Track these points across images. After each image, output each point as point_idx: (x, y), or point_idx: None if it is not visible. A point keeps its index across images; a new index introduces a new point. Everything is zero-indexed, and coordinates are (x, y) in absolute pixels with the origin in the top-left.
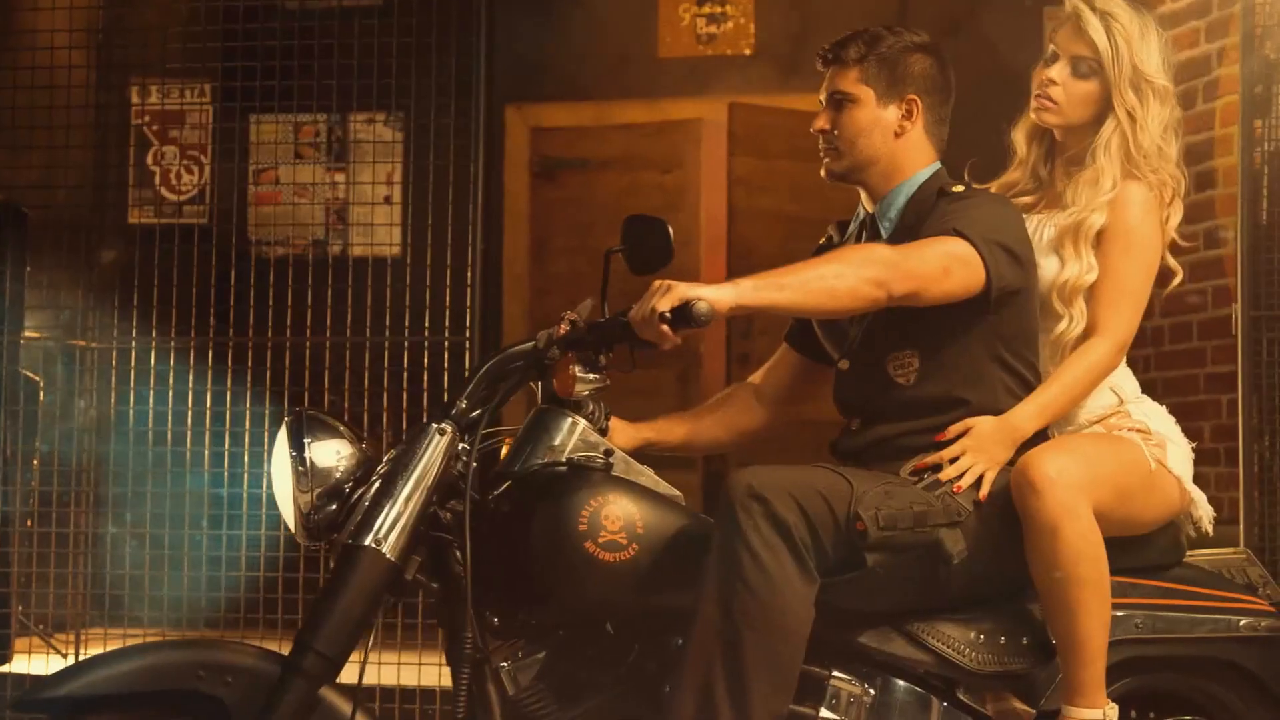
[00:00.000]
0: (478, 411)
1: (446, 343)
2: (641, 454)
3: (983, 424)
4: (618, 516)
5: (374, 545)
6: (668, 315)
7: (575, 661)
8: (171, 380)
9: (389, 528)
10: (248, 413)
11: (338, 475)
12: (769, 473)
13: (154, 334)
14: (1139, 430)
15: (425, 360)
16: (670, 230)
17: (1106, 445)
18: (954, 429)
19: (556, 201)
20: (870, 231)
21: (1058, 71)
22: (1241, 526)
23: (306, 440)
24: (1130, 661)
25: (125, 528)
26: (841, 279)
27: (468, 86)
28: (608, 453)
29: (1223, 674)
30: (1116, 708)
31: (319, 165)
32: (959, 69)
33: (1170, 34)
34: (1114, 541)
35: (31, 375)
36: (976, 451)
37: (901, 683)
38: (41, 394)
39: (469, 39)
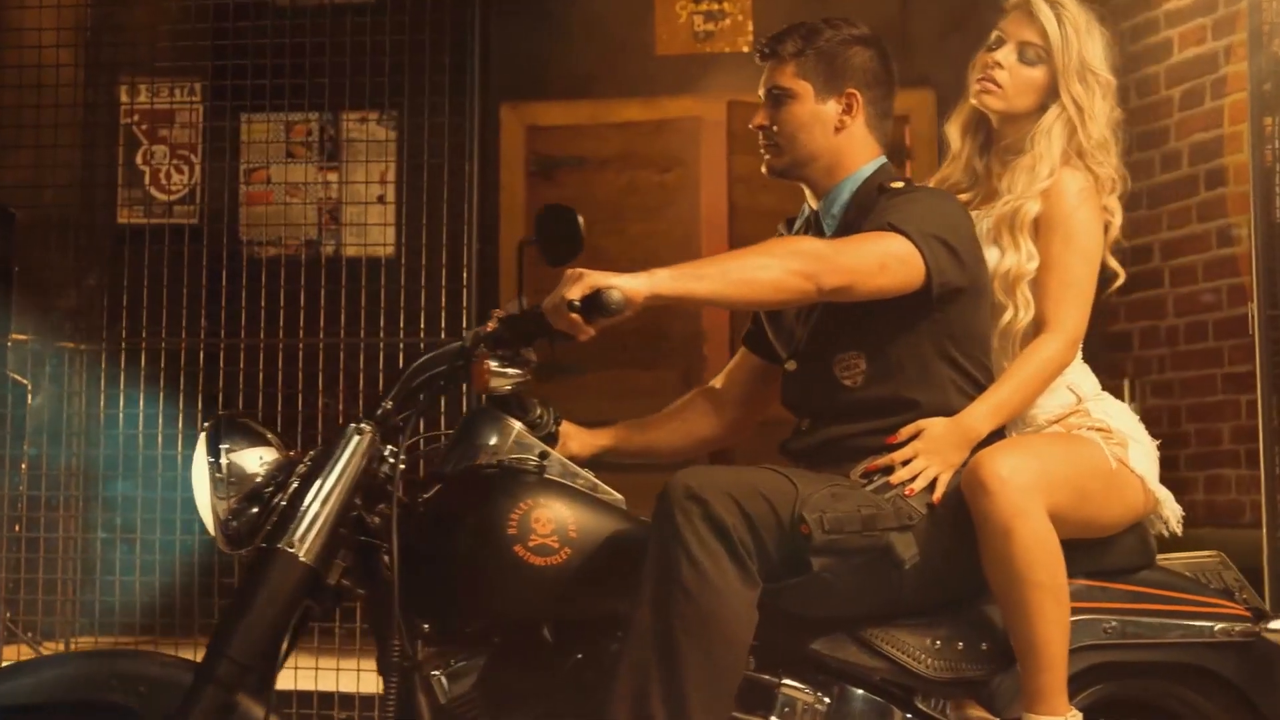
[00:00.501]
0: (408, 413)
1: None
2: (599, 462)
3: (935, 425)
4: (549, 520)
5: (287, 548)
6: (577, 304)
7: (512, 670)
8: (162, 382)
9: (305, 530)
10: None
11: (258, 481)
12: (709, 473)
13: (144, 336)
14: (1099, 429)
15: None
16: (580, 220)
17: (1063, 445)
18: (905, 431)
19: (553, 201)
20: (814, 229)
21: (1004, 55)
22: (1265, 529)
23: (224, 446)
24: (1100, 667)
25: (115, 533)
26: (766, 270)
27: (462, 84)
28: (543, 455)
29: (1197, 680)
30: (1080, 715)
31: (311, 164)
32: (965, 64)
33: (1177, 31)
34: (1079, 544)
35: (19, 378)
36: (929, 454)
37: (860, 691)
38: (30, 397)
39: (463, 36)
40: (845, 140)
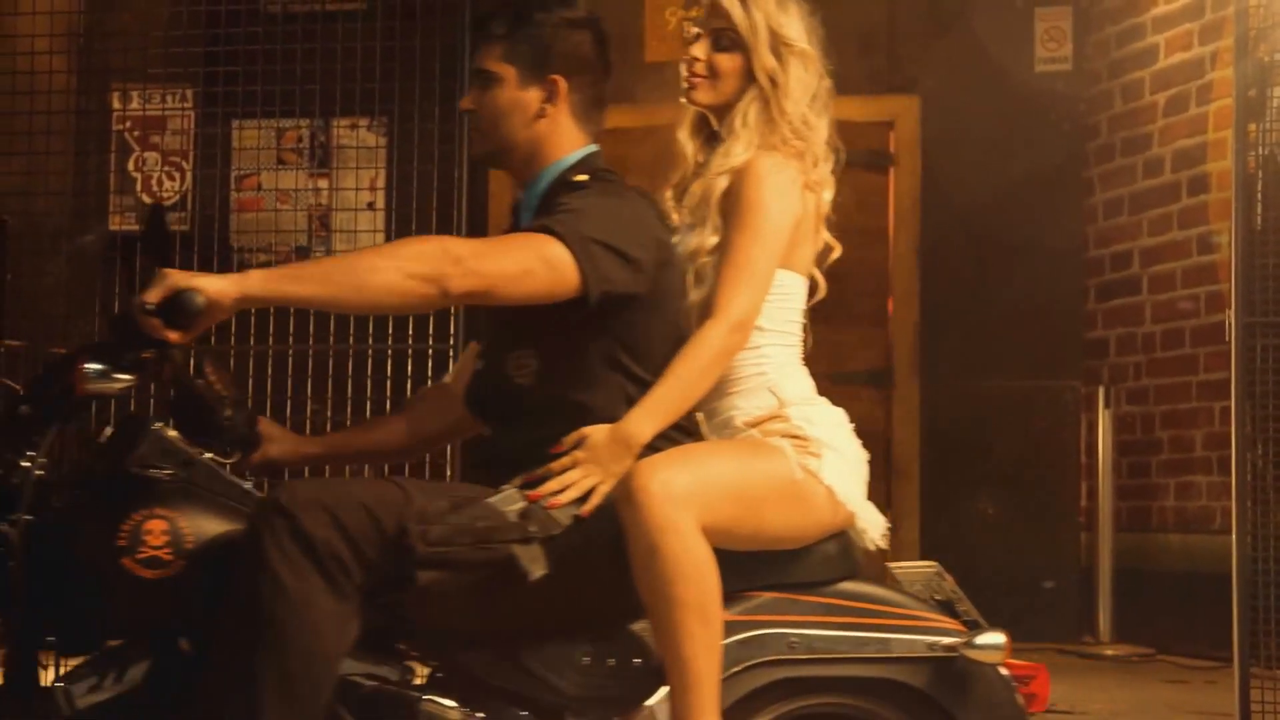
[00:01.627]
0: (49, 421)
1: (430, 351)
2: (317, 465)
3: (597, 434)
4: (164, 531)
5: None
6: (151, 307)
7: (146, 681)
8: (153, 389)
9: None
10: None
11: None
12: (307, 486)
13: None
14: (794, 436)
15: (409, 369)
16: (165, 216)
17: (734, 453)
18: (569, 439)
19: None
20: (515, 221)
21: (700, 49)
22: (1234, 536)
23: None
24: (786, 683)
25: None
26: (376, 273)
27: (452, 91)
28: (187, 463)
29: (896, 696)
30: None
31: (302, 171)
32: (951, 70)
33: (1164, 37)
34: (770, 555)
35: (12, 385)
36: (590, 463)
37: (514, 709)
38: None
39: (453, 42)
40: (547, 129)
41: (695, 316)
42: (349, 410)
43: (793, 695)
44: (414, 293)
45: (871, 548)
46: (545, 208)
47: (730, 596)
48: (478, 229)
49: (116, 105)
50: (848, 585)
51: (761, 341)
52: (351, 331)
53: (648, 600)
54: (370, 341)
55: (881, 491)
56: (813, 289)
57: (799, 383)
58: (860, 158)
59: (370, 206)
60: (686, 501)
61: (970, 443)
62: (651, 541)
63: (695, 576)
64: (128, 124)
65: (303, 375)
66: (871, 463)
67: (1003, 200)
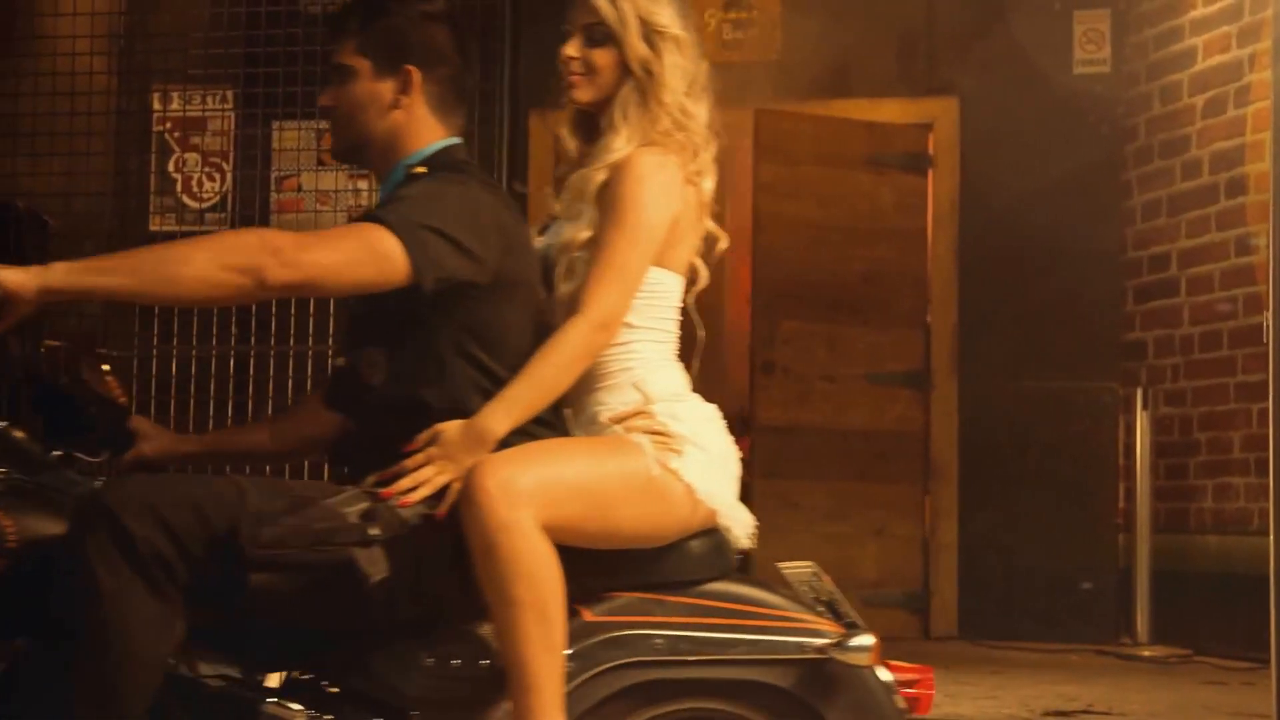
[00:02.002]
0: None
1: None
2: (199, 463)
3: (450, 430)
4: None
5: None
6: None
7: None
8: (193, 389)
9: None
10: None
11: None
12: (136, 484)
13: (174, 343)
14: (657, 433)
15: None
16: None
17: (586, 450)
18: (423, 436)
19: None
20: None
21: (574, 46)
22: (1272, 537)
23: None
24: (650, 685)
25: None
26: (189, 264)
27: (490, 92)
28: (29, 463)
29: (763, 698)
30: None
31: (342, 172)
32: (990, 72)
33: (1202, 39)
34: (635, 554)
35: (54, 386)
36: (443, 460)
37: (362, 712)
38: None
39: (492, 45)
40: (403, 122)
41: (564, 310)
42: None
43: (659, 698)
44: (228, 284)
45: (740, 547)
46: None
47: (594, 597)
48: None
49: (157, 106)
50: (719, 585)
51: (631, 338)
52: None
53: (488, 599)
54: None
55: (920, 492)
56: (694, 279)
57: (668, 379)
58: (899, 160)
59: None
60: (526, 499)
61: (1008, 444)
62: (489, 540)
63: (533, 576)
64: (168, 125)
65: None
66: (909, 463)
67: (1041, 202)
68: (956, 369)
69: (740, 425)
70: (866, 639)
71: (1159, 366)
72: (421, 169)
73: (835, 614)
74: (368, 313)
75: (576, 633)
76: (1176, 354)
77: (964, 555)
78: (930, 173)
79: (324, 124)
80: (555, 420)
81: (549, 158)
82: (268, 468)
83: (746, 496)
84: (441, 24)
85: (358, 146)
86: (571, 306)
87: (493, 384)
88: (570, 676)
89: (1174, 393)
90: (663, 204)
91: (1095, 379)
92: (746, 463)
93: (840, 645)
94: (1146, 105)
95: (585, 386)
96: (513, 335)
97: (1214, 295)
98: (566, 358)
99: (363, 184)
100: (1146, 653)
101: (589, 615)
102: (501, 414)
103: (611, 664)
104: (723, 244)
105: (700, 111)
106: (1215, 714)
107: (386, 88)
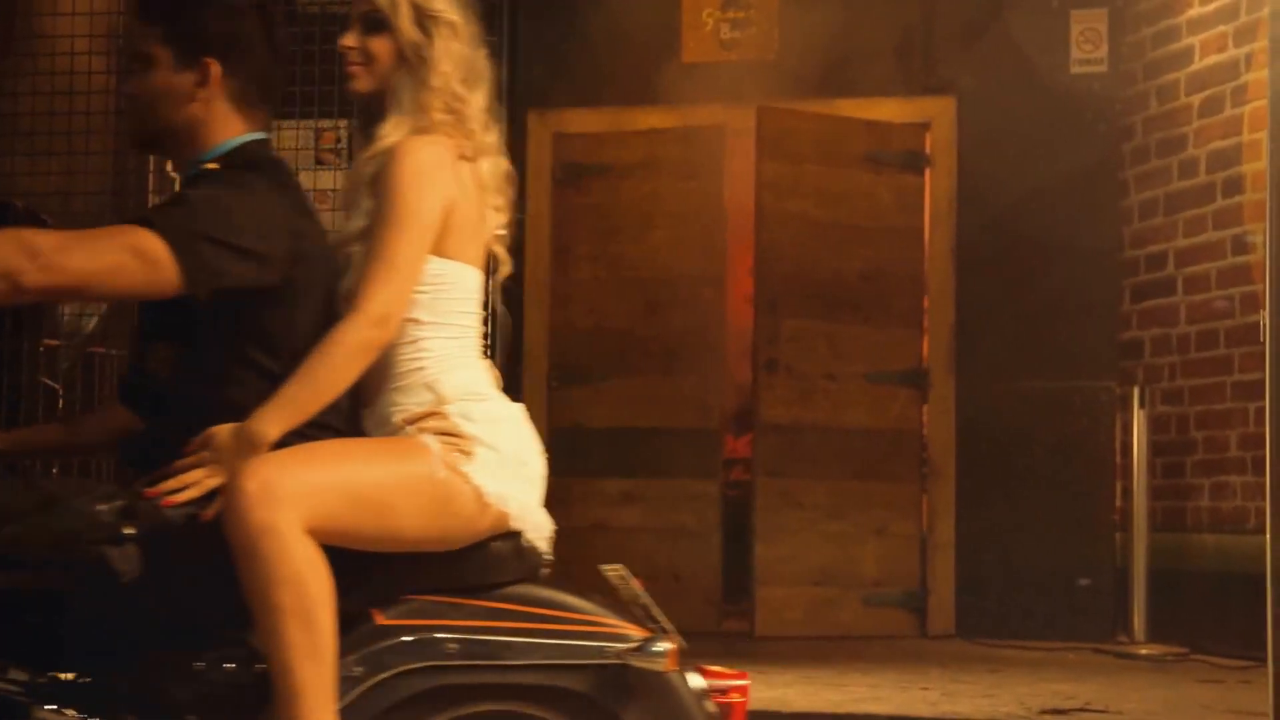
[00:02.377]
0: None
1: None
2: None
3: (221, 433)
4: None
5: None
6: None
7: None
8: None
9: None
10: None
11: None
12: None
13: None
14: (447, 434)
15: None
16: None
17: (362, 452)
18: (200, 439)
19: (579, 208)
20: None
21: (352, 36)
22: (1269, 536)
23: None
24: (446, 689)
25: None
26: None
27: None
28: None
29: (561, 702)
30: None
31: (340, 171)
32: (987, 71)
33: (1199, 39)
34: (433, 558)
35: (51, 383)
36: (214, 463)
37: (134, 717)
38: (61, 402)
39: (490, 43)
40: (202, 113)
41: (346, 306)
42: None
43: (456, 702)
44: None
45: (540, 550)
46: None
47: (388, 600)
48: (515, 228)
49: None
50: (520, 589)
51: (421, 335)
52: None
53: (252, 604)
54: None
55: (917, 491)
56: (495, 266)
57: (464, 378)
58: (896, 159)
59: None
60: (288, 502)
61: (1006, 443)
62: (248, 543)
63: (295, 581)
64: None
65: None
66: (907, 462)
67: (1038, 201)
68: (954, 368)
69: (736, 424)
70: (665, 644)
71: (1156, 365)
72: (213, 166)
73: (650, 618)
74: (156, 309)
75: (368, 636)
76: (1173, 353)
77: (961, 554)
78: (928, 172)
79: (323, 123)
80: (336, 422)
81: (546, 156)
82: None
83: (750, 495)
84: (246, 15)
85: (156, 138)
86: (348, 303)
87: (275, 388)
88: (359, 681)
89: (1171, 391)
90: (431, 192)
91: (1092, 378)
92: (749, 461)
93: (638, 650)
94: (1143, 104)
95: (379, 386)
96: (303, 339)
97: (1211, 294)
98: (340, 358)
99: None
100: (1143, 651)
101: (382, 619)
102: (273, 416)
103: (404, 667)
104: (504, 269)
105: (475, 97)
106: (1212, 712)
107: (185, 80)
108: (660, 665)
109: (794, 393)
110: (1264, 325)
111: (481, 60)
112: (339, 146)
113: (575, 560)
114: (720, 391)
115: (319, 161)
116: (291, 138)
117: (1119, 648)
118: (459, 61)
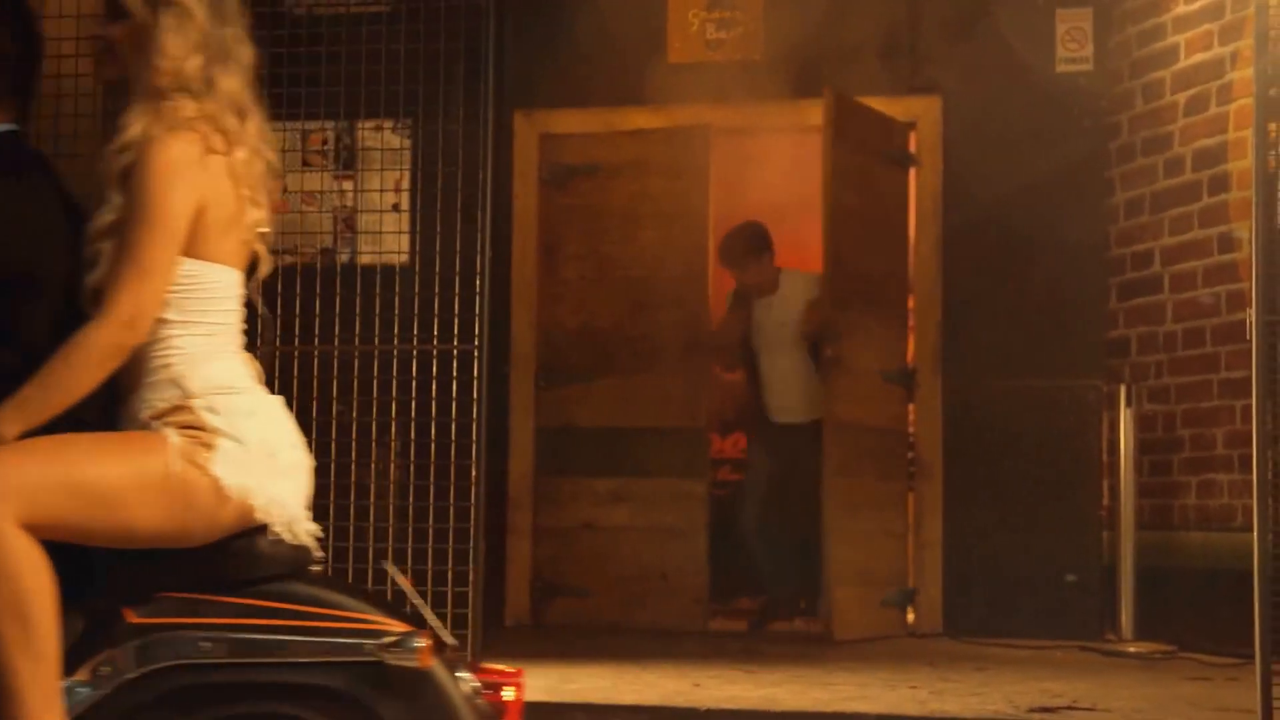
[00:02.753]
0: None
1: (455, 351)
2: None
3: None
4: None
5: None
6: None
7: None
8: None
9: None
10: None
11: None
12: None
13: None
14: (192, 428)
15: (434, 369)
16: None
17: (87, 447)
18: None
19: (566, 208)
20: None
21: (96, 25)
22: (1256, 533)
23: None
24: (199, 688)
25: None
26: None
27: (476, 92)
28: None
29: (318, 700)
30: None
31: (327, 173)
32: (973, 70)
33: (1184, 37)
34: (185, 554)
35: None
36: None
37: None
38: None
39: (477, 45)
40: None
41: (90, 303)
42: (374, 410)
43: (212, 700)
44: None
45: (306, 545)
46: None
47: (140, 598)
48: (502, 229)
49: None
50: (278, 585)
51: (169, 333)
52: (377, 332)
53: None
54: (395, 342)
55: (904, 489)
56: (255, 264)
57: (213, 373)
58: (883, 158)
59: (395, 208)
60: (2, 497)
61: (992, 441)
62: None
63: (9, 577)
64: None
65: (328, 375)
66: (894, 461)
67: (1024, 200)
68: (940, 366)
69: (723, 424)
70: (417, 641)
71: (1142, 363)
72: None
73: (419, 616)
74: None
75: (119, 635)
76: (1160, 351)
77: (949, 552)
78: (914, 171)
79: (309, 124)
80: (89, 416)
81: (533, 157)
82: None
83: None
84: None
85: None
86: (96, 302)
87: (10, 382)
88: (109, 679)
89: (1157, 389)
90: (181, 192)
91: (1079, 376)
92: (738, 461)
93: (391, 646)
94: (1129, 103)
95: (131, 384)
96: (35, 332)
97: (1197, 292)
98: (84, 359)
99: (348, 185)
100: (1131, 649)
101: (132, 617)
102: (13, 415)
103: (155, 666)
104: (265, 268)
105: (226, 80)
106: (1199, 710)
107: None
108: (415, 661)
109: None
110: (1250, 323)
111: (233, 40)
112: (325, 148)
113: (563, 559)
114: (708, 391)
115: (305, 163)
116: (278, 139)
117: (1106, 645)
118: (195, 42)
